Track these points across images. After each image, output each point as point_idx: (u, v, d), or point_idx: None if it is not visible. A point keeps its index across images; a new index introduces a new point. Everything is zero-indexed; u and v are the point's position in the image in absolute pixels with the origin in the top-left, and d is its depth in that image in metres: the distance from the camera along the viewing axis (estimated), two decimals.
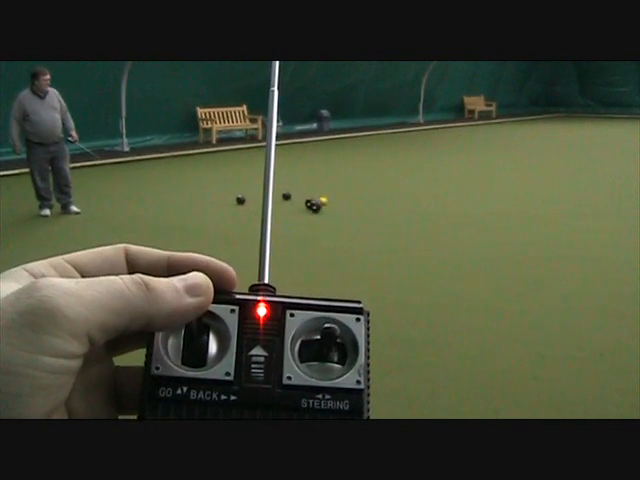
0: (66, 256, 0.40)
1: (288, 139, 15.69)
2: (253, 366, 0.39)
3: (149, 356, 0.39)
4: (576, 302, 5.29)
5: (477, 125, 22.68)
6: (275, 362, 0.39)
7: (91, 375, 0.40)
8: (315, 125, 19.02)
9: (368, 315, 0.41)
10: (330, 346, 0.40)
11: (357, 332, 0.40)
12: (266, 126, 0.48)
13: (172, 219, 8.20)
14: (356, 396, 0.39)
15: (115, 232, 7.38)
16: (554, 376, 4.01)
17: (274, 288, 0.42)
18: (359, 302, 0.41)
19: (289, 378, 0.39)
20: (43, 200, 8.53)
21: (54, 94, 8.45)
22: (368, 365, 0.40)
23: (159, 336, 0.39)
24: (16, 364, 0.32)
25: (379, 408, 0.42)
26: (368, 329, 0.41)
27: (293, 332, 0.40)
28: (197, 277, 0.39)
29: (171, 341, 0.39)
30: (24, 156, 8.63)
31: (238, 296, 0.41)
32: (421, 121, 22.13)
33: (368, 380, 0.40)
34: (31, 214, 8.48)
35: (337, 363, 0.40)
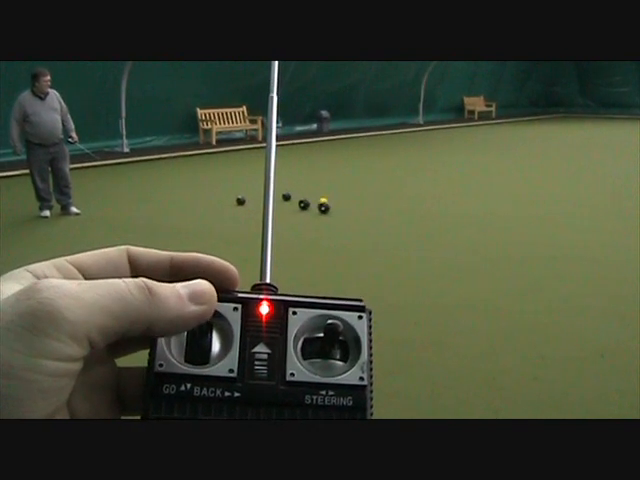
0: (69, 257, 0.40)
1: (288, 140, 15.70)
2: (256, 363, 0.39)
3: (152, 354, 0.39)
4: (577, 302, 5.28)
5: (477, 126, 22.68)
6: (278, 359, 0.39)
7: (94, 376, 0.40)
8: (315, 126, 19.02)
9: (370, 313, 0.41)
10: (333, 343, 0.40)
11: (359, 329, 0.40)
12: (266, 128, 0.48)
13: (172, 220, 8.20)
14: (359, 392, 0.39)
15: (115, 233, 7.38)
16: (554, 376, 4.00)
17: (276, 287, 0.43)
18: (361, 300, 0.41)
19: (292, 375, 0.39)
20: (43, 201, 8.53)
21: (54, 95, 8.45)
22: (371, 362, 0.40)
23: None
24: (15, 367, 0.32)
25: (379, 408, 0.42)
26: (370, 327, 0.41)
27: (296, 330, 0.40)
28: (201, 285, 0.38)
29: (174, 339, 0.39)
30: (24, 157, 8.64)
31: (241, 295, 0.41)
32: (421, 122, 22.13)
33: (371, 377, 0.40)
34: (31, 215, 8.48)
35: (340, 360, 0.40)
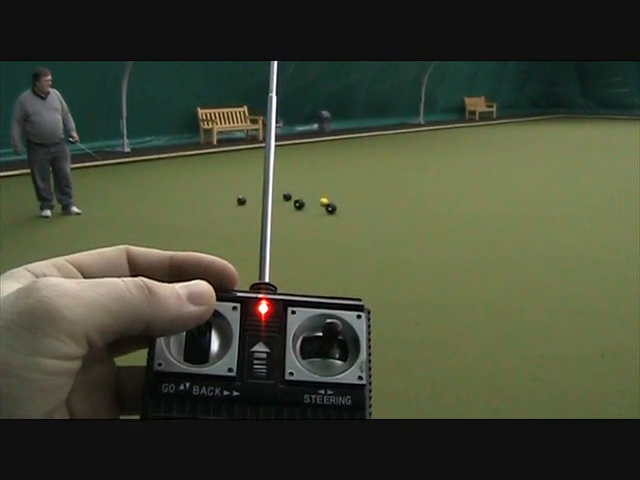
0: (69, 257, 0.40)
1: (289, 140, 15.70)
2: (255, 362, 0.39)
3: (151, 353, 0.39)
4: (577, 303, 5.28)
5: (478, 126, 22.67)
6: (277, 358, 0.39)
7: (93, 375, 0.40)
8: (316, 126, 19.02)
9: (369, 313, 0.41)
10: (332, 342, 0.40)
11: (358, 329, 0.40)
12: (266, 128, 0.48)
13: (173, 220, 8.20)
14: (358, 391, 0.39)
15: (116, 233, 7.38)
16: (554, 377, 4.00)
17: (275, 287, 0.43)
18: (360, 300, 0.41)
19: (291, 374, 0.39)
20: (44, 201, 8.54)
21: (55, 95, 8.45)
22: (369, 362, 0.40)
23: None
24: (14, 366, 0.32)
25: (379, 408, 0.42)
26: (369, 326, 0.41)
27: (295, 329, 0.40)
28: (200, 285, 0.38)
29: (173, 338, 0.39)
30: (25, 157, 8.64)
31: (240, 294, 0.41)
32: (422, 122, 22.12)
33: (370, 376, 0.40)
34: (32, 215, 8.48)
35: (339, 359, 0.40)
